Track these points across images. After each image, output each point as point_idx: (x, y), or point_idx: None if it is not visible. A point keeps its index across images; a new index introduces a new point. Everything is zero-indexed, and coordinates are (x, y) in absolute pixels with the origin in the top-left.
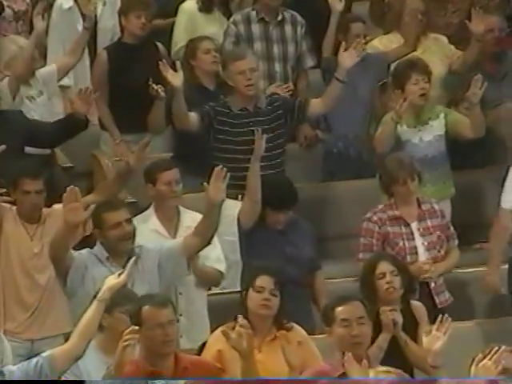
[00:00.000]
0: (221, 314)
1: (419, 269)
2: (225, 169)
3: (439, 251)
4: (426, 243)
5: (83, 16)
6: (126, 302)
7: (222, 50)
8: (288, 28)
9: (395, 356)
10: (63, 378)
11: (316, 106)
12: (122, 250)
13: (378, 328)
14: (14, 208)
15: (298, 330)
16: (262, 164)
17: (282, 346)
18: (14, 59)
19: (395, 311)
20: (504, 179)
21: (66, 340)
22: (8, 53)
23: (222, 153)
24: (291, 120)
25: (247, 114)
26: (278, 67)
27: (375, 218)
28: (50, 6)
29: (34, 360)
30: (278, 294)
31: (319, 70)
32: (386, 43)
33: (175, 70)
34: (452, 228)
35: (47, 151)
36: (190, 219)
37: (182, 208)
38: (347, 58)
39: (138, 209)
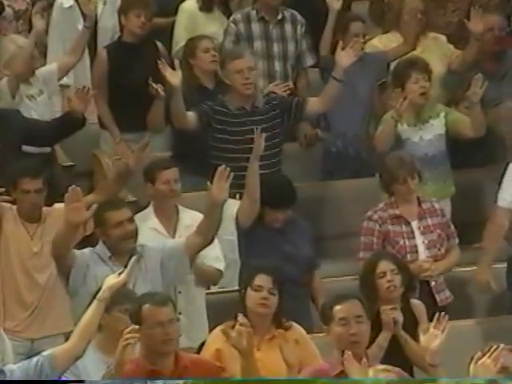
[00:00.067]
0: (219, 312)
1: (419, 267)
2: (228, 168)
3: (439, 250)
4: (426, 242)
5: (83, 15)
6: (124, 301)
7: (222, 49)
8: (288, 27)
9: (395, 355)
10: (63, 378)
11: (314, 104)
12: (124, 249)
13: (378, 327)
14: (14, 207)
15: (297, 329)
16: (259, 163)
17: (280, 345)
18: (14, 58)
19: (395, 310)
20: (502, 177)
21: (67, 339)
22: (7, 52)
23: (220, 152)
24: (288, 119)
25: (245, 113)
26: (277, 66)
27: (376, 216)
28: (51, 5)
29: (35, 359)
30: (276, 292)
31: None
32: (385, 42)
33: (174, 69)
34: (452, 227)
35: (47, 150)
36: (189, 218)
37: (180, 207)
38: (344, 57)
39: (138, 208)
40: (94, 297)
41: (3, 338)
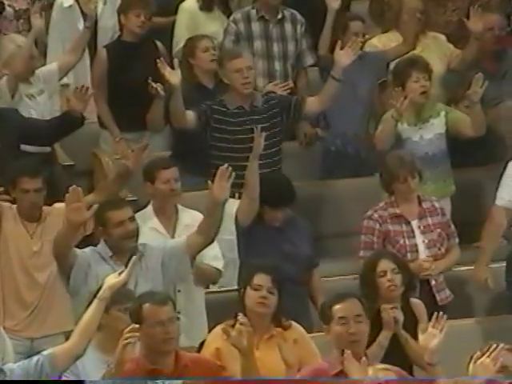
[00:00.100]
0: (218, 312)
1: (420, 266)
2: (230, 168)
3: (440, 249)
4: (426, 241)
5: (83, 15)
6: (123, 300)
7: (222, 49)
8: (288, 26)
9: (395, 354)
10: (63, 378)
11: (312, 104)
12: (125, 249)
13: (378, 326)
14: (14, 207)
15: (296, 328)
16: (259, 162)
17: (278, 344)
18: (13, 58)
19: (396, 309)
20: (501, 176)
21: (67, 338)
22: (7, 51)
23: (219, 151)
24: (287, 118)
25: (243, 112)
26: (277, 65)
27: (376, 215)
28: (51, 4)
29: (35, 358)
30: (275, 291)
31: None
32: (384, 42)
33: (173, 69)
34: (453, 226)
35: (47, 150)
36: (189, 218)
37: (180, 206)
38: (343, 57)
39: (138, 207)
40: (95, 296)
41: (4, 337)
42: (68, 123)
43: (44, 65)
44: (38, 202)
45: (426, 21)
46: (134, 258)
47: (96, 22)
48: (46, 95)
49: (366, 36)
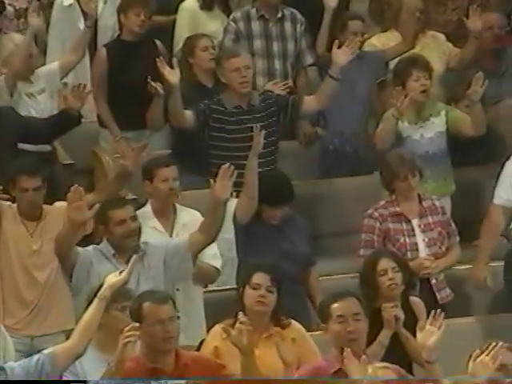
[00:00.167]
0: (217, 310)
1: (420, 265)
2: (232, 167)
3: (440, 248)
4: (426, 239)
5: (84, 13)
6: (121, 299)
7: (221, 48)
8: (288, 25)
9: (394, 352)
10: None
11: (310, 103)
12: (127, 247)
13: (379, 325)
14: (14, 205)
15: (295, 327)
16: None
17: (276, 343)
18: (11, 57)
19: (397, 308)
20: (499, 175)
21: (68, 337)
22: (6, 50)
23: (217, 150)
24: (284, 117)
25: (241, 111)
26: (277, 64)
27: (376, 214)
28: (51, 3)
29: (36, 357)
30: (274, 290)
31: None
32: (384, 41)
33: (172, 68)
34: (453, 224)
35: (47, 148)
36: (187, 216)
37: (178, 205)
38: (341, 56)
39: (138, 206)
40: (95, 295)
41: (4, 336)
42: (65, 121)
43: (44, 63)
44: (38, 201)
45: (426, 20)
46: (134, 256)
47: (96, 21)
48: (47, 94)
49: (365, 35)
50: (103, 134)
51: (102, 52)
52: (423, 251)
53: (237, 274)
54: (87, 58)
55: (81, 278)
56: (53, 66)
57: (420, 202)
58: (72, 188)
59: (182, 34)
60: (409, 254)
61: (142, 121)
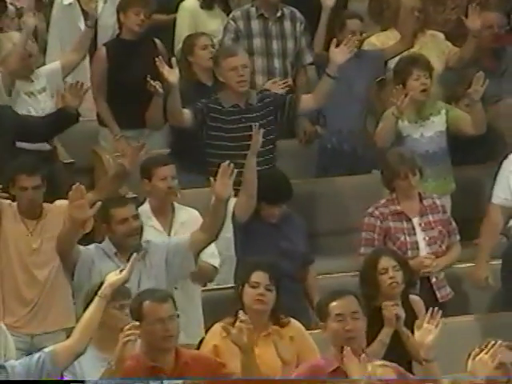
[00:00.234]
0: (215, 309)
1: (420, 263)
2: (232, 165)
3: (440, 246)
4: (427, 238)
5: (84, 13)
6: (119, 297)
7: (221, 46)
8: (287, 24)
9: (394, 351)
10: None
11: (307, 102)
12: (129, 246)
13: (379, 323)
14: (15, 204)
15: (294, 325)
16: None
17: (274, 342)
18: (8, 56)
19: (397, 306)
20: (496, 174)
21: (68, 335)
22: (5, 49)
23: (215, 149)
24: (282, 116)
25: (239, 110)
26: (277, 63)
27: (377, 212)
28: (51, 2)
29: (36, 355)
30: (273, 289)
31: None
32: (383, 40)
33: (172, 67)
34: (454, 223)
35: (46, 147)
36: (185, 215)
37: (176, 204)
38: (338, 54)
39: (138, 204)
40: (95, 294)
41: (5, 334)
42: (63, 119)
43: (43, 62)
44: (37, 200)
45: (425, 19)
46: (135, 255)
47: (96, 21)
48: (48, 93)
49: (364, 34)
50: (103, 133)
51: (102, 51)
52: (424, 250)
53: (235, 273)
54: (87, 57)
55: (82, 277)
56: (55, 65)
57: (420, 200)
58: (73, 186)
59: (182, 32)
60: (409, 252)
61: (142, 120)
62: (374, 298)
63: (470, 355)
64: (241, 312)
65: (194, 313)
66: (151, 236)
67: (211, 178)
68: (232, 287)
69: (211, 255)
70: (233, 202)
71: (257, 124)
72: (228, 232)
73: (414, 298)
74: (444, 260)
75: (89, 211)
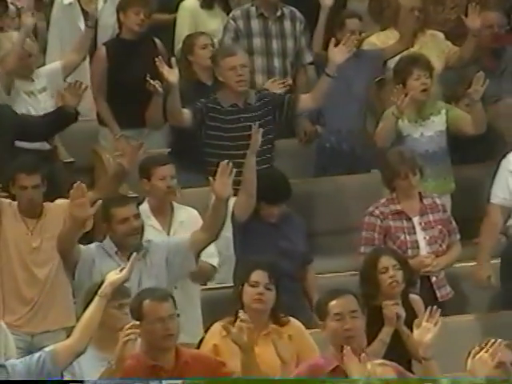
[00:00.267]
0: (215, 308)
1: (420, 263)
2: (230, 164)
3: (440, 245)
4: (427, 237)
5: (84, 12)
6: (118, 296)
7: (221, 46)
8: (287, 24)
9: (395, 350)
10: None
11: (305, 101)
12: (130, 245)
13: (380, 322)
14: (15, 203)
15: (294, 324)
16: None
17: (273, 341)
18: (6, 55)
19: (398, 305)
20: (495, 174)
21: (69, 334)
22: (4, 49)
23: (214, 149)
24: (280, 115)
25: (238, 109)
26: (277, 63)
27: (377, 212)
28: (52, 2)
29: (37, 355)
30: (273, 288)
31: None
32: (383, 39)
33: (171, 67)
34: (454, 222)
35: (46, 146)
36: (184, 215)
37: (175, 204)
38: (337, 54)
39: (137, 204)
40: (96, 293)
41: (6, 333)
42: (62, 118)
43: (43, 61)
44: (37, 199)
45: (425, 19)
46: (135, 254)
47: (96, 21)
48: (49, 93)
49: (363, 34)
50: (103, 133)
51: (102, 51)
52: (424, 249)
53: (234, 272)
54: (87, 57)
55: (83, 276)
56: (55, 65)
57: (421, 199)
58: (75, 184)
59: (182, 32)
60: (409, 251)
61: (142, 119)
62: (375, 297)
63: (469, 354)
64: (241, 311)
65: (193, 312)
66: (150, 235)
67: (210, 178)
68: (230, 287)
69: (210, 255)
70: (232, 201)
71: (256, 123)
72: (227, 231)
73: (414, 297)
74: (444, 259)
75: (90, 210)
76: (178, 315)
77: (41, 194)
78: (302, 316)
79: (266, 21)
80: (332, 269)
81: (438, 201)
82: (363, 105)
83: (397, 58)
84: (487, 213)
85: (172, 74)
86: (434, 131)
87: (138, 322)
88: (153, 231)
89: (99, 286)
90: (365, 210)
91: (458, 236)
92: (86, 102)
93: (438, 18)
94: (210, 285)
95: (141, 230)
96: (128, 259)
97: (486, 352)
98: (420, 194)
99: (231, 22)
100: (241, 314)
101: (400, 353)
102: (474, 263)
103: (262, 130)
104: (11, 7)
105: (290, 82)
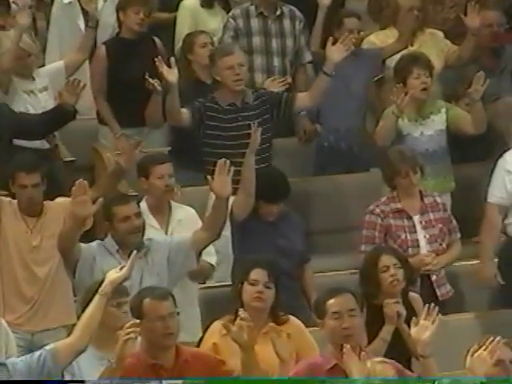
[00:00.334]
0: (213, 307)
1: (421, 261)
2: (228, 162)
3: (441, 244)
4: (427, 236)
5: (83, 11)
6: (116, 295)
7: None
8: (287, 22)
9: (395, 348)
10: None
11: (303, 100)
12: (131, 243)
13: (380, 321)
14: (15, 202)
15: (293, 323)
16: None
17: (272, 339)
18: (2, 54)
19: (398, 304)
20: (492, 173)
21: (69, 333)
22: (3, 47)
23: (213, 148)
24: (277, 114)
25: (236, 109)
26: (276, 61)
27: (378, 210)
28: (51, 1)
29: (37, 353)
30: (272, 286)
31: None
32: (382, 38)
33: (170, 67)
34: (454, 221)
35: (45, 145)
36: (182, 213)
37: (173, 202)
38: (335, 52)
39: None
40: (96, 291)
41: (7, 331)
42: (60, 116)
43: (43, 60)
44: (37, 198)
45: (424, 18)
46: (135, 252)
47: (97, 20)
48: (50, 93)
49: (361, 33)
50: (103, 131)
51: (102, 50)
52: (424, 248)
53: (232, 271)
54: None
55: (84, 274)
56: (58, 64)
57: (421, 198)
58: (77, 182)
59: (182, 31)
60: (410, 250)
61: (142, 118)
62: (375, 295)
63: (468, 352)
64: (241, 310)
65: (191, 310)
66: (148, 234)
67: (209, 177)
68: (228, 285)
69: (208, 253)
70: (231, 200)
71: (255, 122)
72: (226, 230)
73: (414, 296)
74: (444, 258)
75: (91, 208)
76: (178, 313)
77: (41, 192)
78: (301, 314)
79: (266, 20)
80: (330, 267)
81: (438, 199)
82: (362, 104)
83: (395, 56)
84: (485, 212)
85: (171, 74)
86: (434, 130)
87: (138, 321)
88: (151, 230)
89: (100, 285)
90: (363, 208)
91: (459, 235)
92: (86, 101)
93: (438, 17)
94: (209, 283)
95: (142, 229)
96: (129, 257)
97: (485, 350)
98: (421, 192)
99: (231, 20)
100: (241, 312)
101: (400, 351)
102: (474, 262)
103: (260, 128)
104: (13, 6)
105: (289, 80)
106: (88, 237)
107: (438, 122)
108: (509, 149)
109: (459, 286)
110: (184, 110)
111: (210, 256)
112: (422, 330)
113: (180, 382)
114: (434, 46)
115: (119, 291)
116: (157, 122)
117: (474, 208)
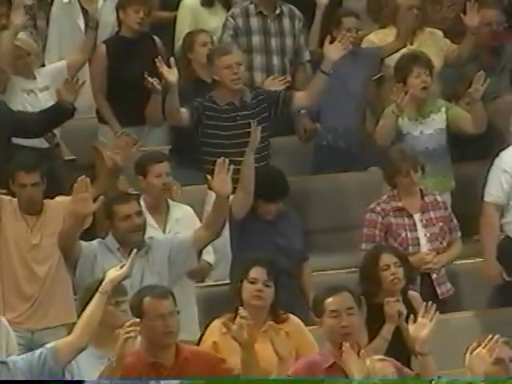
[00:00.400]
0: (212, 305)
1: (421, 260)
2: (227, 160)
3: (441, 243)
4: (428, 234)
5: (83, 10)
6: (115, 294)
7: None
8: (286, 21)
9: (395, 346)
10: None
11: (300, 98)
12: (132, 242)
13: (381, 319)
14: (15, 200)
15: (292, 321)
16: None
17: (270, 337)
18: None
19: (399, 302)
20: (487, 172)
21: (69, 331)
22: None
23: (212, 147)
24: (275, 113)
25: (234, 108)
26: (275, 60)
27: (378, 208)
28: (51, 0)
29: (38, 351)
30: (271, 284)
31: None
32: (381, 38)
33: (170, 67)
34: (455, 220)
35: (45, 144)
36: (180, 212)
37: (171, 201)
38: (333, 51)
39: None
40: (96, 290)
41: (8, 330)
42: (58, 114)
43: (43, 59)
44: (36, 196)
45: (423, 17)
46: (135, 251)
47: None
48: (51, 92)
49: (360, 32)
50: (102, 130)
51: (102, 48)
52: (425, 246)
53: (231, 270)
54: None
55: (85, 272)
56: (60, 64)
57: (422, 197)
58: (79, 178)
59: (182, 30)
60: (410, 248)
61: (142, 117)
62: (375, 294)
63: (467, 350)
64: (241, 308)
65: (189, 309)
66: (147, 233)
67: (208, 176)
68: (226, 284)
69: (206, 252)
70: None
71: (255, 121)
72: (225, 229)
73: (413, 294)
74: (445, 256)
75: (92, 206)
76: (178, 312)
77: (40, 191)
78: (300, 313)
79: (265, 19)
80: (329, 266)
81: (439, 198)
82: (360, 103)
83: (395, 55)
84: (483, 212)
85: (171, 74)
86: (434, 129)
87: (138, 320)
88: (149, 229)
89: (100, 283)
90: (361, 207)
91: (459, 233)
92: (86, 100)
93: (437, 16)
94: (207, 282)
95: (143, 227)
96: (129, 255)
97: (484, 348)
98: (421, 191)
99: (230, 19)
100: (241, 310)
101: (400, 349)
102: (475, 260)
103: (259, 127)
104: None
105: (289, 78)
106: (89, 235)
107: (437, 121)
108: (505, 148)
109: (459, 284)
110: (183, 110)
111: (207, 254)
112: (420, 327)
113: (177, 382)
114: (434, 44)
115: (117, 290)
116: (157, 121)
117: (473, 206)
